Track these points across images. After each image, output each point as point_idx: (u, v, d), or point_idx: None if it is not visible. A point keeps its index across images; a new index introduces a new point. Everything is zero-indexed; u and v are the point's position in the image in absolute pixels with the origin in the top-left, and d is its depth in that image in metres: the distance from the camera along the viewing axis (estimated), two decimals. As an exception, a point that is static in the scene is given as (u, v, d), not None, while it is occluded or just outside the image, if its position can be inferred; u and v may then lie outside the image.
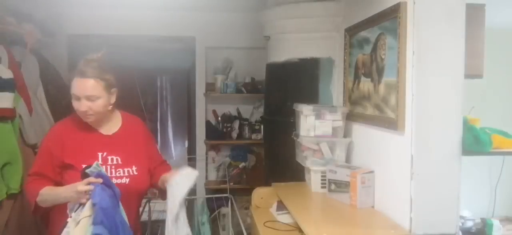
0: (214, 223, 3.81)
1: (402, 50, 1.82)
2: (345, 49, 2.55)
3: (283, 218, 2.36)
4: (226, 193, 3.71)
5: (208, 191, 4.01)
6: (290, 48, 2.87)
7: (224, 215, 3.82)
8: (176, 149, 6.30)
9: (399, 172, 1.88)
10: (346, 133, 2.49)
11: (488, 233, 2.80)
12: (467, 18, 1.75)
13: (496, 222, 2.82)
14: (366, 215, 2.06)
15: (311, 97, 2.81)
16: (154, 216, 3.04)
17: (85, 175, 1.58)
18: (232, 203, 3.52)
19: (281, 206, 2.42)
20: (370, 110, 2.20)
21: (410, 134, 1.78)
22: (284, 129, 2.79)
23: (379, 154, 2.12)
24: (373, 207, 2.14)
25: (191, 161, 4.15)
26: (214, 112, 4.16)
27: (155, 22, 3.82)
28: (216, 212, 3.85)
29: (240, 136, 4.05)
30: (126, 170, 1.77)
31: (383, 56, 2.03)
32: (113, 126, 1.86)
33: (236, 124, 4.05)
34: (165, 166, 1.99)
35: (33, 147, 2.56)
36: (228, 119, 4.10)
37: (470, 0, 1.76)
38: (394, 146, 1.95)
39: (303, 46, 2.82)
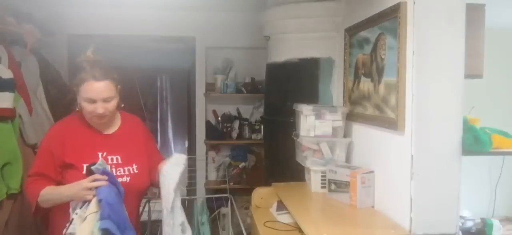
0: (214, 223, 3.81)
1: (402, 50, 1.82)
2: (345, 49, 2.55)
3: (283, 218, 2.36)
4: (226, 193, 3.71)
5: (208, 191, 4.01)
6: (290, 48, 2.87)
7: (224, 215, 3.82)
8: (176, 149, 6.30)
9: (399, 172, 1.88)
10: (346, 133, 2.49)
11: (488, 233, 2.81)
12: (467, 18, 1.75)
13: (496, 222, 2.83)
14: (366, 215, 2.06)
15: (311, 97, 2.81)
16: (154, 216, 3.04)
17: (90, 172, 1.59)
18: (232, 203, 3.52)
19: (281, 206, 2.42)
20: (370, 110, 2.20)
21: (410, 134, 1.78)
22: (284, 129, 2.79)
23: (379, 154, 2.12)
24: (373, 207, 2.14)
25: (191, 161, 4.15)
26: (214, 112, 4.16)
27: (155, 22, 3.82)
28: (216, 212, 3.85)
29: (240, 136, 4.05)
30: (126, 169, 1.78)
31: (383, 56, 2.03)
32: (112, 125, 1.86)
33: (236, 124, 4.05)
34: None
35: (33, 147, 2.55)
36: (228, 119, 4.10)
37: (470, 0, 1.76)
38: (394, 146, 1.95)
39: (303, 46, 2.82)
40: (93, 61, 1.75)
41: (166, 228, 1.75)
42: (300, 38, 2.83)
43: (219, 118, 4.13)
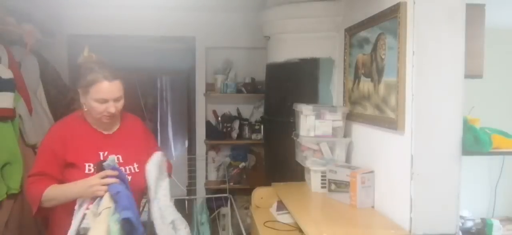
0: (214, 223, 3.81)
1: (402, 50, 1.82)
2: (345, 49, 2.55)
3: (283, 218, 2.36)
4: (226, 193, 3.72)
5: (208, 191, 4.01)
6: (290, 48, 2.87)
7: (224, 215, 3.83)
8: (176, 149, 6.29)
9: (399, 172, 1.88)
10: (346, 133, 2.49)
11: (488, 233, 2.81)
12: (467, 18, 1.75)
13: (496, 222, 2.83)
14: (366, 215, 2.06)
15: (311, 97, 2.81)
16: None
17: (100, 169, 1.61)
18: (231, 203, 3.52)
19: (281, 206, 2.42)
20: (370, 110, 2.20)
21: (410, 134, 1.78)
22: (284, 129, 2.79)
23: (379, 154, 2.12)
24: (373, 207, 2.14)
25: (191, 161, 4.15)
26: (214, 112, 4.16)
27: (155, 22, 3.82)
28: (216, 212, 3.85)
29: (240, 136, 4.05)
30: (127, 168, 1.78)
31: (383, 56, 2.03)
32: (112, 125, 1.86)
33: (236, 124, 4.05)
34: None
35: (33, 147, 2.56)
36: (228, 119, 4.10)
37: (470, 0, 1.76)
38: (394, 146, 1.95)
39: (303, 46, 2.82)
40: (101, 62, 1.77)
41: (157, 226, 1.76)
42: (300, 38, 2.83)
43: (219, 118, 4.13)
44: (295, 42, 2.85)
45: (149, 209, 1.83)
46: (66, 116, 1.92)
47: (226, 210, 3.77)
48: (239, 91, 4.01)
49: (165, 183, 1.75)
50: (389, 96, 1.96)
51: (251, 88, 4.01)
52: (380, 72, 2.06)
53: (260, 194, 2.65)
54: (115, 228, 1.47)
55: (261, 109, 3.93)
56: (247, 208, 3.62)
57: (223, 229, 3.77)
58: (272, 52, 3.05)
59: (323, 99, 2.84)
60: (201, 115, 4.09)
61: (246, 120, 4.12)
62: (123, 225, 1.49)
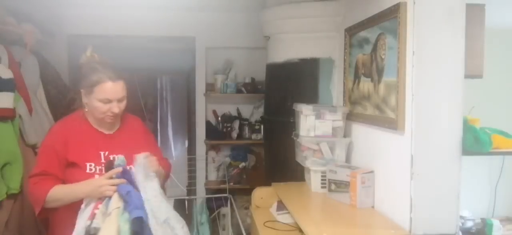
0: (214, 223, 3.81)
1: (402, 50, 1.82)
2: (345, 49, 2.55)
3: (283, 218, 2.36)
4: (226, 193, 3.72)
5: (208, 191, 4.01)
6: (290, 48, 2.87)
7: (224, 215, 3.83)
8: (176, 149, 6.30)
9: (399, 172, 1.88)
10: (346, 133, 2.49)
11: (488, 233, 2.81)
12: (467, 18, 1.75)
13: (496, 222, 2.83)
14: (366, 215, 2.06)
15: (311, 97, 2.81)
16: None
17: (110, 169, 1.63)
18: (231, 203, 3.52)
19: (281, 206, 2.42)
20: (370, 110, 2.20)
21: (410, 134, 1.78)
22: (284, 129, 2.79)
23: (379, 154, 2.12)
24: (373, 207, 2.14)
25: (191, 161, 4.15)
26: (214, 112, 4.16)
27: (155, 22, 3.82)
28: (216, 212, 3.85)
29: (240, 136, 4.05)
30: (128, 167, 1.77)
31: (383, 56, 2.03)
32: (113, 125, 1.86)
33: (236, 124, 4.05)
34: (164, 162, 1.99)
35: (33, 147, 2.56)
36: (228, 119, 4.10)
37: (470, 0, 1.76)
38: (394, 146, 1.94)
39: (303, 46, 2.82)
40: (104, 62, 1.78)
41: (152, 227, 1.75)
42: (300, 38, 2.83)
43: (219, 118, 4.12)
44: (295, 42, 2.85)
45: None
46: (67, 116, 1.92)
47: (226, 210, 3.77)
48: (239, 91, 4.01)
49: (153, 183, 1.73)
50: (389, 96, 1.96)
51: (251, 88, 4.01)
52: (380, 72, 2.06)
53: (260, 194, 2.65)
54: (125, 227, 1.49)
55: (261, 109, 3.93)
56: (247, 208, 3.62)
57: (223, 229, 3.77)
58: (272, 52, 3.05)
59: (323, 99, 2.84)
60: (201, 115, 4.09)
61: (246, 120, 4.12)
62: (133, 224, 1.50)
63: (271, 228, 2.29)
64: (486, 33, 2.04)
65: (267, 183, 2.79)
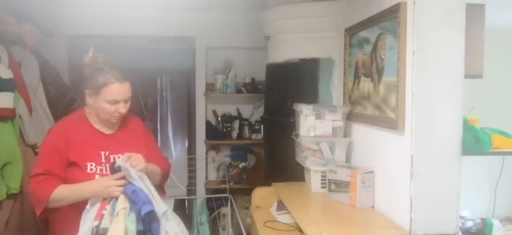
0: (214, 223, 3.81)
1: (402, 50, 1.82)
2: (345, 49, 2.55)
3: (283, 218, 2.36)
4: (226, 193, 3.72)
5: (208, 191, 4.01)
6: (290, 48, 2.87)
7: (224, 215, 3.83)
8: (176, 149, 6.29)
9: (399, 172, 1.88)
10: (346, 133, 2.49)
11: (488, 233, 2.81)
12: (467, 18, 1.75)
13: (496, 222, 2.83)
14: (366, 215, 2.06)
15: (311, 97, 2.81)
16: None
17: (114, 169, 1.64)
18: (232, 203, 3.52)
19: (281, 206, 2.42)
20: (370, 110, 2.20)
21: (410, 134, 1.78)
22: (284, 129, 2.79)
23: (379, 154, 2.12)
24: (373, 207, 2.14)
25: (191, 161, 4.15)
26: (214, 112, 4.16)
27: (155, 22, 3.82)
28: (216, 212, 3.85)
29: (240, 136, 4.05)
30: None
31: (383, 56, 2.03)
32: (113, 125, 1.86)
33: (236, 124, 4.04)
34: (163, 162, 2.00)
35: (33, 147, 2.55)
36: (228, 119, 4.10)
37: (470, 0, 1.76)
38: (394, 146, 1.95)
39: (303, 46, 2.82)
40: (110, 63, 1.79)
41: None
42: (300, 38, 2.83)
43: (219, 118, 4.12)
44: (295, 42, 2.85)
45: None
46: (67, 115, 1.92)
47: (226, 210, 3.77)
48: (239, 91, 4.01)
49: (145, 177, 1.73)
50: (389, 96, 1.96)
51: (251, 88, 4.01)
52: (380, 72, 2.06)
53: (260, 194, 2.66)
54: (132, 227, 1.51)
55: (261, 109, 3.93)
56: (247, 208, 3.62)
57: (223, 229, 3.77)
58: (272, 52, 3.05)
59: (323, 99, 2.84)
60: (201, 115, 4.09)
61: (246, 120, 4.11)
62: (144, 219, 1.53)
63: (271, 228, 2.29)
64: (486, 33, 2.04)
65: (267, 183, 2.80)
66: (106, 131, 1.84)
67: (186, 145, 5.52)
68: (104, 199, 1.61)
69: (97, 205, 1.60)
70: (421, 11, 1.73)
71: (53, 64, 3.21)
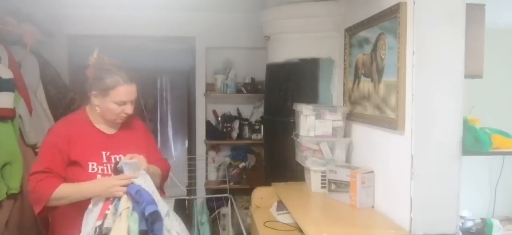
0: (214, 223, 3.82)
1: (402, 50, 1.82)
2: (345, 49, 2.55)
3: (283, 218, 2.36)
4: (226, 193, 3.72)
5: (208, 191, 4.01)
6: (290, 48, 2.87)
7: (224, 215, 3.83)
8: (176, 149, 6.30)
9: (399, 172, 1.88)
10: (346, 133, 2.49)
11: (488, 233, 2.81)
12: (467, 18, 1.75)
13: (496, 222, 2.83)
14: (366, 215, 2.06)
15: (311, 97, 2.81)
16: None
17: (116, 169, 1.66)
18: (232, 203, 3.52)
19: (281, 206, 2.42)
20: (370, 110, 2.20)
21: (410, 134, 1.78)
22: (284, 129, 2.79)
23: (379, 154, 2.12)
24: (373, 207, 2.14)
25: (191, 161, 4.15)
26: (214, 112, 4.16)
27: (155, 22, 3.82)
28: (216, 212, 3.85)
29: (240, 136, 4.05)
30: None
31: (383, 56, 2.03)
32: (115, 125, 1.87)
33: (236, 124, 4.05)
34: (163, 163, 2.00)
35: (33, 147, 2.55)
36: (228, 119, 4.10)
37: (470, 0, 1.76)
38: (394, 146, 1.94)
39: (303, 46, 2.82)
40: (116, 64, 1.80)
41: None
42: (300, 38, 2.83)
43: (219, 118, 4.13)
44: (295, 42, 2.85)
45: None
46: (68, 114, 1.93)
47: (226, 210, 3.77)
48: (239, 91, 4.01)
49: (148, 177, 1.73)
50: (389, 96, 1.96)
51: (251, 88, 4.01)
52: (380, 72, 2.06)
53: (260, 194, 2.66)
54: (135, 227, 1.51)
55: (261, 109, 3.93)
56: (247, 208, 3.62)
57: (224, 229, 3.77)
58: (272, 52, 3.05)
59: (323, 99, 2.84)
60: (201, 115, 4.10)
61: (246, 120, 4.12)
62: (147, 219, 1.54)
63: (271, 228, 2.29)
64: (486, 33, 2.04)
65: (267, 183, 2.79)
66: (108, 131, 1.84)
67: (186, 145, 5.53)
68: (107, 199, 1.61)
69: (100, 205, 1.60)
70: (421, 11, 1.73)
71: (53, 64, 3.21)
